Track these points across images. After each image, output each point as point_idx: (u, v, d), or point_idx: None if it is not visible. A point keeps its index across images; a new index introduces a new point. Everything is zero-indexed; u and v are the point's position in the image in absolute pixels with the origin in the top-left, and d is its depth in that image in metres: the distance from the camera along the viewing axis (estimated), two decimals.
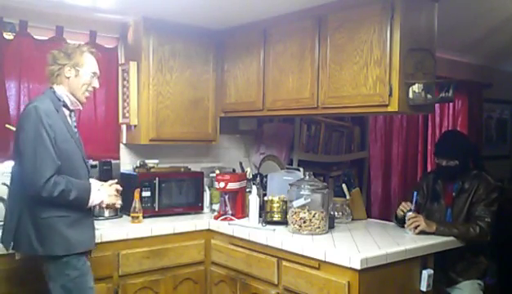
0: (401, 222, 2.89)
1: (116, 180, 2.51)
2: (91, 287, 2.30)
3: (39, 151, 2.14)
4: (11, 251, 2.31)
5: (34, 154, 2.14)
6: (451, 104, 5.17)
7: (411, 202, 2.81)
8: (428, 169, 4.85)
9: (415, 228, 2.71)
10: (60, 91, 2.31)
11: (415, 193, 2.82)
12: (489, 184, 2.82)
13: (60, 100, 2.30)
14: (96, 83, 2.41)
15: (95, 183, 2.38)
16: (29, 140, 2.16)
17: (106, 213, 3.08)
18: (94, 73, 2.38)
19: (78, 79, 2.32)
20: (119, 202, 2.47)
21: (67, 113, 2.34)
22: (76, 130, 2.37)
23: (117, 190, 2.43)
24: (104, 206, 2.42)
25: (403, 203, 2.88)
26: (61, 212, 2.20)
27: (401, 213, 2.85)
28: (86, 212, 2.32)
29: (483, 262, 2.89)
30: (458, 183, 2.86)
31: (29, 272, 2.45)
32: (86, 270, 2.28)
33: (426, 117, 4.99)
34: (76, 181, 2.23)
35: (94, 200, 2.29)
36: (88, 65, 2.36)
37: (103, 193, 2.35)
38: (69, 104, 2.34)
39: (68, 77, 2.31)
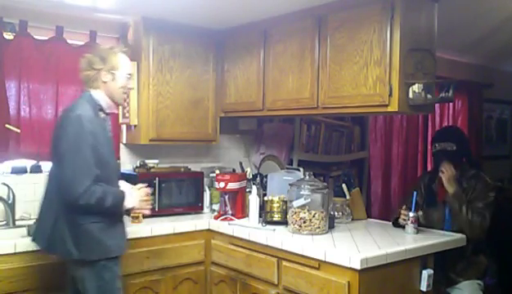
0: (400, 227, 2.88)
1: (146, 184, 2.51)
2: (119, 288, 2.36)
3: (79, 160, 2.17)
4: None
5: (74, 164, 2.16)
6: (451, 104, 5.17)
7: (411, 203, 2.81)
8: (428, 169, 4.85)
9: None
10: (98, 95, 2.33)
11: (415, 193, 2.82)
12: (487, 184, 2.83)
13: (97, 104, 2.32)
14: (131, 84, 2.44)
15: (125, 186, 2.41)
16: (71, 148, 2.18)
17: None
18: (129, 75, 2.41)
19: (115, 83, 2.34)
20: (148, 207, 2.47)
21: (102, 116, 2.36)
22: (111, 133, 2.41)
23: (147, 194, 2.44)
24: (135, 211, 2.44)
25: (403, 211, 2.82)
26: (97, 218, 2.24)
27: (404, 222, 2.81)
28: (118, 217, 2.36)
29: (483, 262, 2.89)
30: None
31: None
32: (118, 272, 2.34)
33: (426, 117, 4.99)
34: (111, 188, 2.27)
35: (127, 205, 2.34)
36: (123, 67, 2.38)
37: (135, 197, 2.37)
38: (105, 107, 2.36)
39: (105, 82, 2.33)
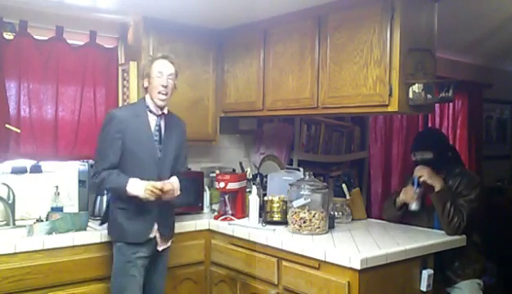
0: (399, 210, 2.93)
1: (168, 182, 2.58)
2: (133, 275, 2.53)
3: (101, 149, 2.53)
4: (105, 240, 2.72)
5: (98, 152, 2.56)
6: (451, 104, 5.17)
7: (413, 184, 2.84)
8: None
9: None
10: (148, 99, 2.62)
11: (416, 179, 2.83)
12: (471, 180, 2.83)
13: (146, 106, 2.61)
14: (163, 82, 2.57)
15: (134, 180, 2.51)
16: (99, 140, 2.57)
17: None
18: (159, 73, 2.57)
19: (151, 86, 2.59)
20: (151, 198, 2.48)
21: (151, 117, 2.61)
22: (157, 132, 2.60)
23: (154, 187, 2.48)
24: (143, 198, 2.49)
25: (409, 186, 2.86)
26: (123, 205, 2.54)
27: (408, 199, 2.86)
28: (143, 209, 2.54)
29: (481, 261, 2.89)
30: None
31: None
32: (133, 259, 2.53)
33: (426, 117, 4.99)
34: (117, 175, 2.50)
35: (130, 191, 2.47)
36: (154, 70, 2.59)
37: (139, 187, 2.47)
38: (153, 109, 2.61)
39: (146, 88, 2.63)
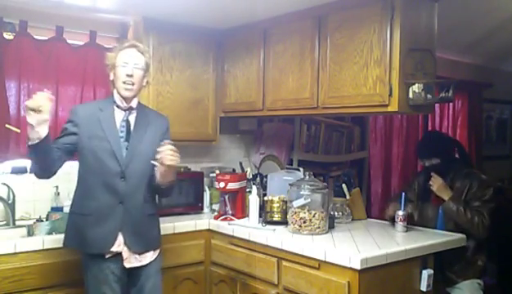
0: (393, 220, 2.92)
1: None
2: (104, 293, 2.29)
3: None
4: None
5: None
6: (451, 104, 5.17)
7: (400, 204, 2.83)
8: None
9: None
10: (115, 93, 2.40)
11: (403, 194, 2.84)
12: (483, 182, 2.84)
13: (113, 100, 2.39)
14: (129, 71, 2.34)
15: None
16: None
17: None
18: (125, 63, 2.34)
19: (116, 78, 2.37)
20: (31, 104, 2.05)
21: (119, 111, 2.38)
22: (123, 128, 2.35)
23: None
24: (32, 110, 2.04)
25: (394, 208, 2.88)
26: (87, 211, 2.29)
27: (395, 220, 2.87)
28: (106, 215, 2.29)
29: (481, 261, 2.89)
30: (447, 181, 2.87)
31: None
32: (103, 276, 2.27)
33: (426, 117, 4.99)
34: None
35: (28, 121, 2.05)
36: (119, 60, 2.36)
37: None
38: (119, 103, 2.38)
39: (112, 80, 2.40)
